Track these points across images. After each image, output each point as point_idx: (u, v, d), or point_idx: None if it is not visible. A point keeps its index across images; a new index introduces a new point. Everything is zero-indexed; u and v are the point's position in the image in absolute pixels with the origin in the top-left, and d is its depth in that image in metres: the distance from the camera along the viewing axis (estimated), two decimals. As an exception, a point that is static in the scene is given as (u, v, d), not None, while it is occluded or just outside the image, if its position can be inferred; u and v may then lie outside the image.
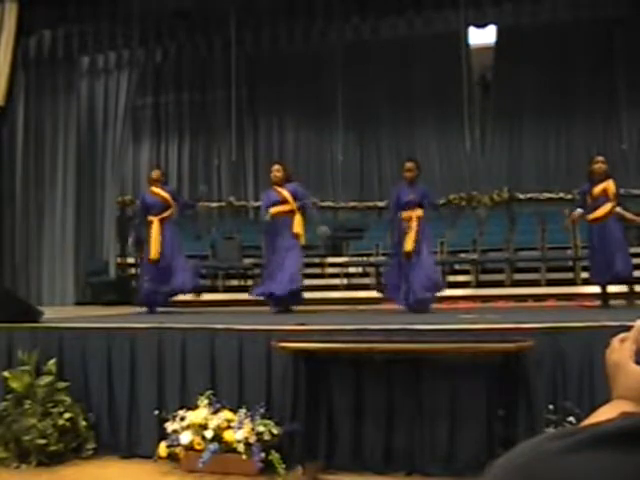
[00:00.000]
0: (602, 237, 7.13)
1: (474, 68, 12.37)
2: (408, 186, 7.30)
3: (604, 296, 7.33)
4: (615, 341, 1.04)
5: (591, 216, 7.26)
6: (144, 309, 7.86)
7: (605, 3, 10.62)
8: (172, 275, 7.81)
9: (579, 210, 7.48)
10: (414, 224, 7.06)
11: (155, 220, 7.84)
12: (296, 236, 7.47)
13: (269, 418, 4.68)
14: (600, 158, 7.46)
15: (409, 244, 7.00)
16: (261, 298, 7.69)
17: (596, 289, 7.65)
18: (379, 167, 13.32)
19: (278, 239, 7.48)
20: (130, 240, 11.78)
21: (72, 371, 5.27)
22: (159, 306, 7.86)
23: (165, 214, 7.91)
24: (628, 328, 1.04)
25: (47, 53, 11.00)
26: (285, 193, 7.54)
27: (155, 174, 8.24)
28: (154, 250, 7.74)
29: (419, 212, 7.15)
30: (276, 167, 7.80)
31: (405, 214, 7.17)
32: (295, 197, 7.57)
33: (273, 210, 7.51)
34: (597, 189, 7.23)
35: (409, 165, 7.39)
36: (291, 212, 7.50)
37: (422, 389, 4.58)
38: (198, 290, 9.04)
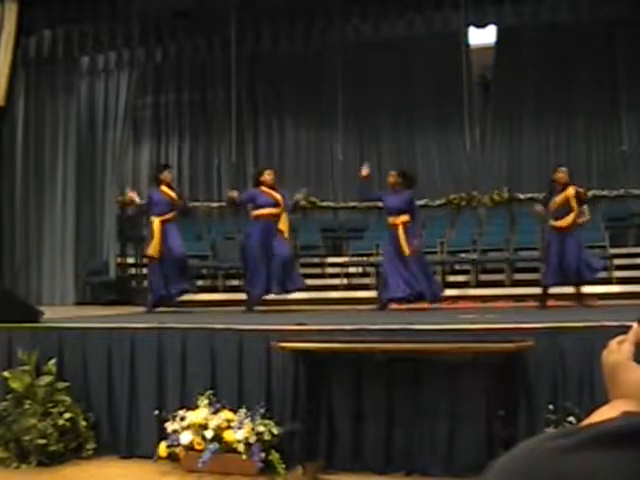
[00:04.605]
0: (563, 243, 7.39)
1: (474, 68, 12.35)
2: (393, 193, 7.85)
3: (543, 297, 7.47)
4: (613, 343, 1.05)
5: (555, 224, 7.41)
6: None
7: (605, 3, 10.60)
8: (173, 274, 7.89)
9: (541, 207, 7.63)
10: (400, 230, 7.53)
11: (156, 220, 7.86)
12: (282, 233, 7.74)
13: (269, 418, 4.68)
14: (563, 169, 7.65)
15: (404, 249, 7.50)
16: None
17: (596, 289, 7.69)
18: (379, 167, 13.30)
19: (270, 240, 7.71)
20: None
21: (72, 371, 5.27)
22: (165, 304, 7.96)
23: (167, 216, 7.94)
24: (627, 329, 1.05)
25: (47, 53, 10.98)
26: (279, 197, 7.85)
27: (169, 176, 8.30)
28: (154, 248, 7.80)
29: (403, 218, 7.58)
30: (269, 171, 8.08)
31: (391, 220, 7.68)
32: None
33: (266, 212, 7.76)
34: (559, 199, 7.43)
35: (391, 173, 8.13)
36: (279, 215, 7.83)
37: (422, 389, 4.58)
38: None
